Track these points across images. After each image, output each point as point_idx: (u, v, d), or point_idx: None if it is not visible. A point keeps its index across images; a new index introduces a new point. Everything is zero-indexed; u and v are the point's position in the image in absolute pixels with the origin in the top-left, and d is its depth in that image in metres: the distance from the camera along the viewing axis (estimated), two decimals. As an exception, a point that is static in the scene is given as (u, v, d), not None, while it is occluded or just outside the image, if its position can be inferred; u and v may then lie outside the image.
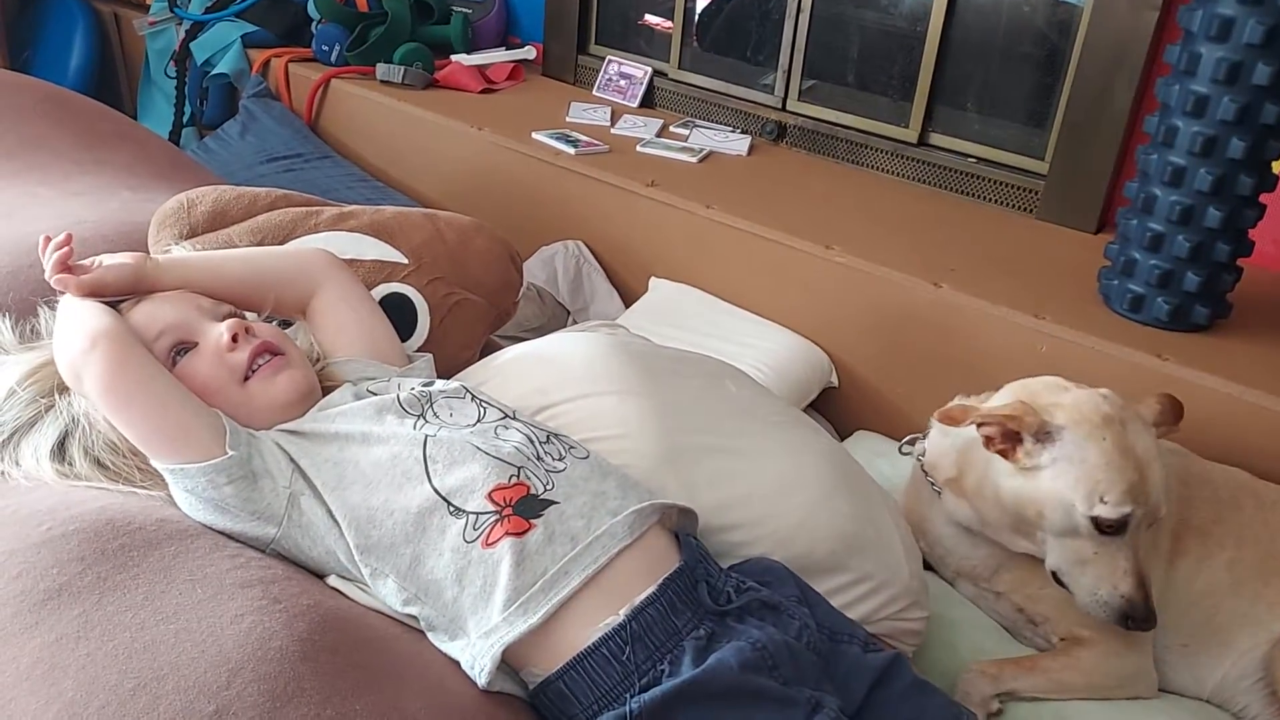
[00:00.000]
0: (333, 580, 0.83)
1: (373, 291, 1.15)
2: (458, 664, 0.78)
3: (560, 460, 0.84)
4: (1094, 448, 0.98)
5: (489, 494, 0.78)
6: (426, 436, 0.82)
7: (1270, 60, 1.18)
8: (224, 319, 0.90)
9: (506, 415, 0.88)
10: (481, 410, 0.87)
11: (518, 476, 0.80)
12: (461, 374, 1.09)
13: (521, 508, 0.78)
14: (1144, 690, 1.07)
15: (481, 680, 0.75)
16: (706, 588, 0.82)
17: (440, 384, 0.92)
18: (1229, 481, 1.15)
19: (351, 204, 1.33)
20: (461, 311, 1.21)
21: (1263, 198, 1.31)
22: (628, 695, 0.75)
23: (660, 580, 0.79)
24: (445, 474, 0.79)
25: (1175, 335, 1.34)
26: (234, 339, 0.87)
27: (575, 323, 1.72)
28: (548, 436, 0.86)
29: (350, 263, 1.17)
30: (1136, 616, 0.98)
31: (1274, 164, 1.28)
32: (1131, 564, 0.98)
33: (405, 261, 1.21)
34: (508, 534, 0.77)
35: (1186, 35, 1.25)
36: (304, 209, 1.25)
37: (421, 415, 0.85)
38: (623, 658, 0.76)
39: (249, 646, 0.65)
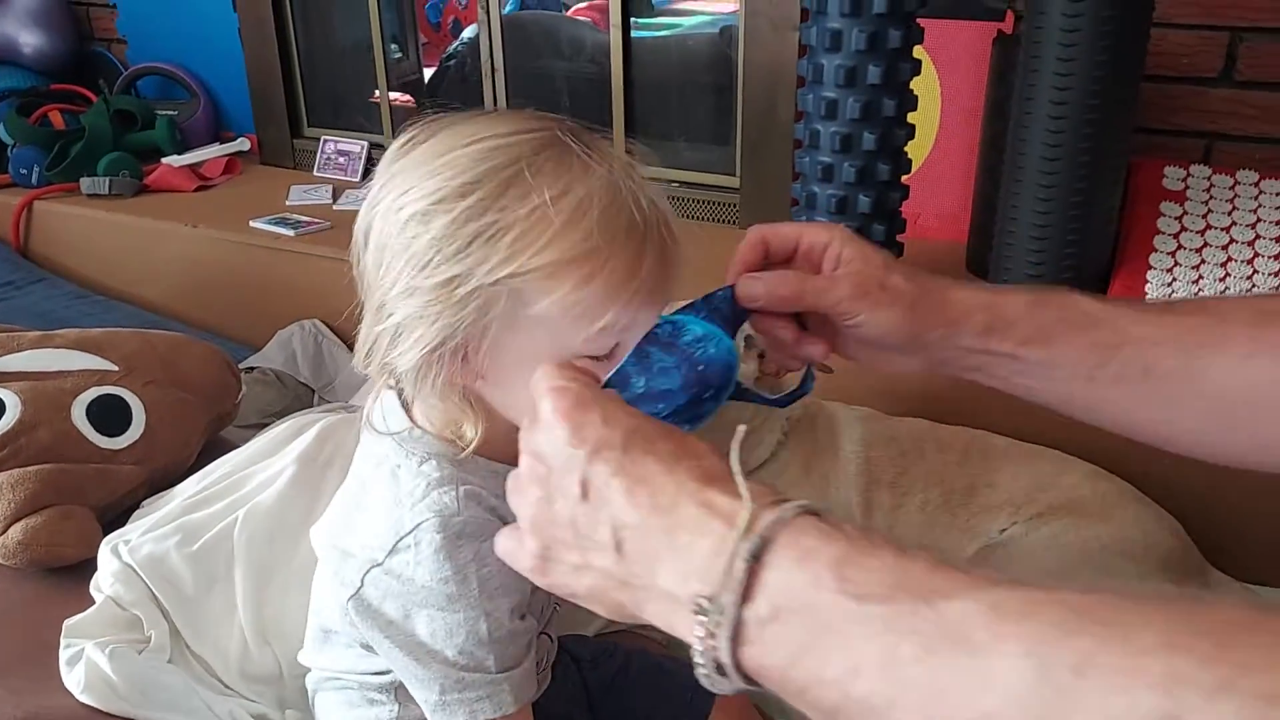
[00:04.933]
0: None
1: (82, 395, 1.16)
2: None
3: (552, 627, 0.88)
4: None
5: None
6: None
7: (878, 61, 1.35)
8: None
9: None
10: None
11: None
12: None
13: None
14: None
15: None
16: None
17: None
18: (911, 433, 1.29)
19: (70, 322, 1.33)
20: (179, 410, 1.23)
21: (907, 179, 1.48)
22: None
23: None
24: None
25: (855, 312, 1.49)
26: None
27: (321, 401, 1.74)
28: None
29: (57, 374, 1.18)
30: None
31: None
32: None
33: (115, 368, 1.21)
34: None
35: (810, 49, 1.41)
36: (6, 333, 1.25)
37: None
38: None
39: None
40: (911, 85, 1.41)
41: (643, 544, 0.47)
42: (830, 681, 0.40)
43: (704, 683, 0.45)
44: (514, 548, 0.56)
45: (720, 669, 0.44)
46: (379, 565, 0.69)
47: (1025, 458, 1.27)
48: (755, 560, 0.43)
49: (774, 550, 0.43)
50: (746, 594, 0.43)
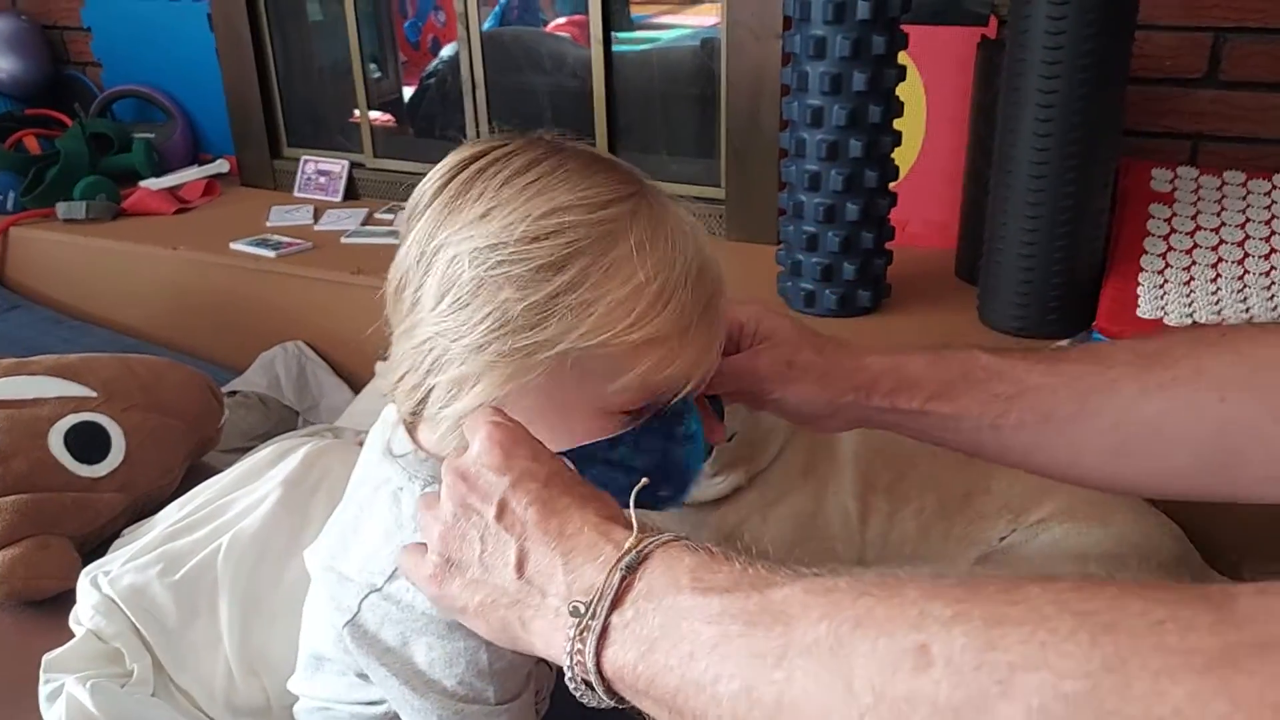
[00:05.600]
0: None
1: (60, 422, 1.14)
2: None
3: None
4: None
5: None
6: None
7: (863, 68, 1.34)
8: None
9: None
10: None
11: None
12: None
13: None
14: None
15: None
16: None
17: None
18: (904, 440, 1.27)
19: (48, 349, 1.30)
20: (161, 436, 1.20)
21: (895, 186, 1.47)
22: None
23: None
24: None
25: (846, 321, 1.48)
26: None
27: (307, 424, 1.71)
28: None
29: (33, 401, 1.15)
30: None
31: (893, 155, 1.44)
32: None
33: (93, 394, 1.19)
34: None
35: (794, 57, 1.40)
36: (-22, 362, 1.22)
37: None
38: None
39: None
40: (897, 92, 1.40)
41: (542, 565, 0.52)
42: (672, 668, 0.46)
43: (573, 691, 0.51)
44: (415, 560, 0.60)
45: (586, 681, 0.50)
46: (378, 590, 0.67)
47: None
48: (630, 572, 0.49)
49: (647, 564, 0.50)
50: (617, 601, 0.49)
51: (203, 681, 0.96)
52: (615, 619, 0.48)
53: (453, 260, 0.61)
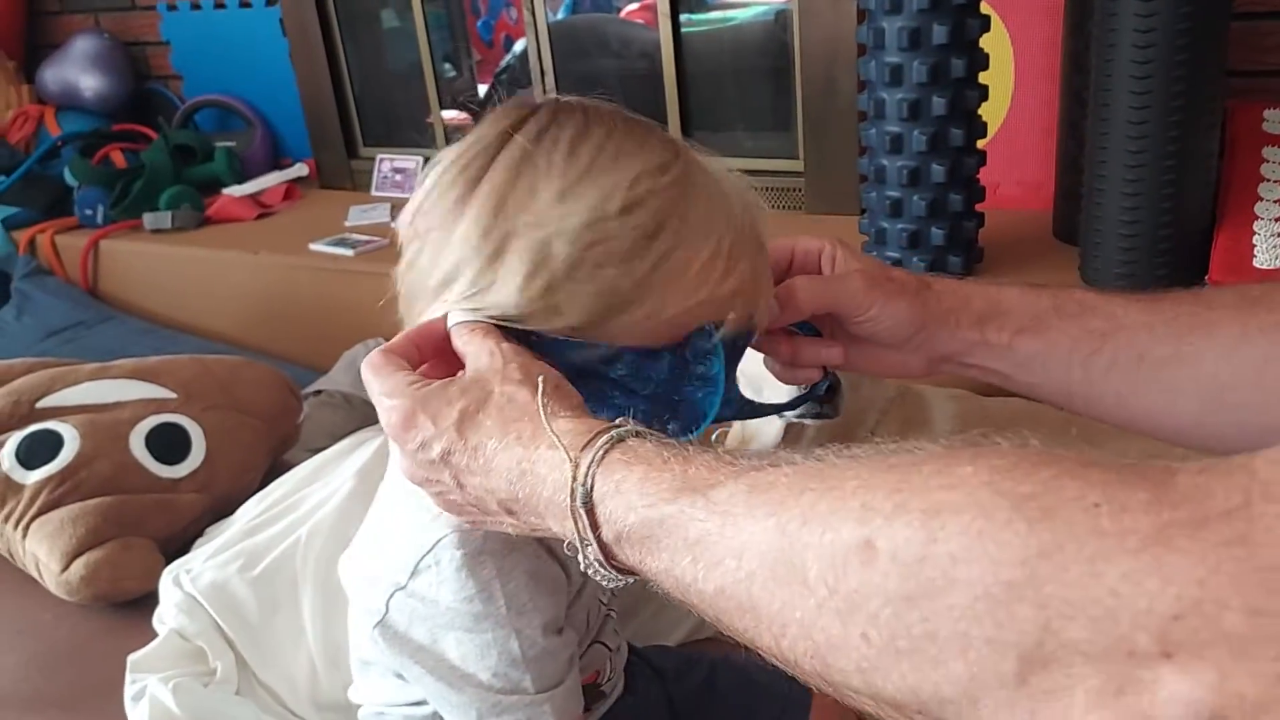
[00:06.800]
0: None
1: (141, 424, 1.14)
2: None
3: (616, 635, 0.81)
4: None
5: None
6: None
7: (944, 20, 1.27)
8: None
9: None
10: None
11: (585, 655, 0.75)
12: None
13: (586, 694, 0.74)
14: None
15: None
16: None
17: None
18: (1005, 413, 1.21)
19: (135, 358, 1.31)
20: (241, 435, 1.20)
21: (984, 145, 1.40)
22: None
23: None
24: None
25: (936, 288, 1.41)
26: None
27: (390, 418, 1.71)
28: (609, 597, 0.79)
29: (113, 405, 1.16)
30: None
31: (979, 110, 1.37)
32: None
33: (173, 396, 1.19)
34: None
35: (870, 14, 1.33)
36: (64, 367, 1.23)
37: None
38: None
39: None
40: (981, 43, 1.33)
41: (523, 505, 0.54)
42: (661, 571, 0.49)
43: (607, 584, 0.53)
44: None
45: (609, 579, 0.52)
46: (402, 588, 0.65)
47: (1132, 433, 1.17)
48: (589, 503, 0.51)
49: (597, 490, 0.51)
50: (595, 525, 0.51)
51: (287, 677, 0.94)
52: (603, 537, 0.51)
53: (540, 244, 0.58)
